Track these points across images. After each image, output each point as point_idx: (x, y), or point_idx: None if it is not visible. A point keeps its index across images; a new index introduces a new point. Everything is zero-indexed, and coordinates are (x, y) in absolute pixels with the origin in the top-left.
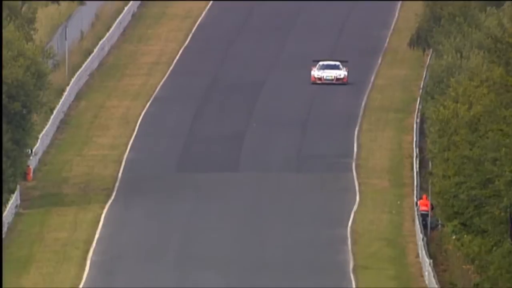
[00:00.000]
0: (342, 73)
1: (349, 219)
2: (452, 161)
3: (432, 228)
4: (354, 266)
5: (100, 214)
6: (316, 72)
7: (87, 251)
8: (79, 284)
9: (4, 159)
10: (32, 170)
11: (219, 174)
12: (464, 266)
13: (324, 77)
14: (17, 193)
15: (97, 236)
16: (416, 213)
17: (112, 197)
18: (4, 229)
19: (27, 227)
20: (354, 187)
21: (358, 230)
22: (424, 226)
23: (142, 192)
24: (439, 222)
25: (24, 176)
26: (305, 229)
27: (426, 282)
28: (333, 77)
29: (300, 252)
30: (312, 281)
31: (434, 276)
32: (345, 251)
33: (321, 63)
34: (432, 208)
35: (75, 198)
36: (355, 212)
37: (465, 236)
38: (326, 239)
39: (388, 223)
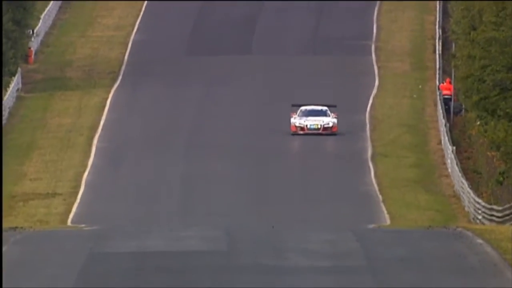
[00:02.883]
0: (330, 120)
1: (367, 105)
2: (477, 42)
3: (455, 113)
4: (373, 153)
5: (106, 99)
6: (297, 120)
7: (92, 138)
8: (83, 171)
9: (4, 40)
10: (33, 52)
11: (231, 57)
12: (488, 153)
13: (308, 126)
14: (18, 76)
15: (102, 121)
16: (438, 97)
17: (118, 81)
18: (5, 113)
19: (29, 112)
20: (373, 70)
21: (377, 116)
22: (447, 111)
23: (150, 75)
24: (463, 107)
25: (26, 58)
26: None
27: (449, 170)
28: (319, 126)
29: (315, 139)
30: (328, 169)
31: (457, 164)
32: (364, 138)
33: (303, 108)
34: (455, 92)
35: (79, 82)
36: (374, 97)
37: (490, 121)
38: (343, 125)
39: (409, 108)
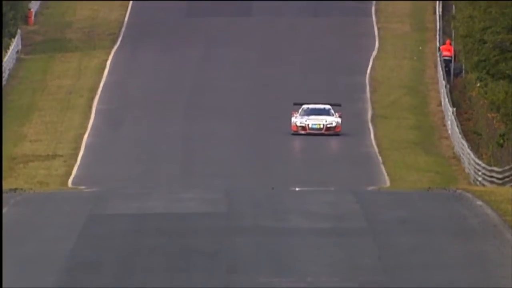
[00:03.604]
0: (333, 120)
1: (367, 66)
2: (477, 4)
3: (455, 75)
4: (373, 115)
5: (106, 60)
6: (298, 120)
7: (92, 99)
8: (84, 133)
9: (4, 1)
10: (33, 14)
11: (231, 18)
12: (489, 115)
13: (310, 126)
14: (18, 37)
15: (102, 83)
16: (438, 59)
17: (118, 43)
18: (5, 75)
19: (29, 73)
20: (374, 32)
21: (378, 78)
22: (447, 72)
23: (150, 37)
24: (463, 68)
25: (25, 20)
26: (321, 76)
27: (449, 131)
28: (321, 126)
29: (316, 100)
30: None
31: (457, 125)
32: (364, 100)
33: (305, 106)
34: (455, 53)
35: (79, 44)
36: (374, 59)
37: (490, 83)
38: (343, 87)
39: (409, 70)
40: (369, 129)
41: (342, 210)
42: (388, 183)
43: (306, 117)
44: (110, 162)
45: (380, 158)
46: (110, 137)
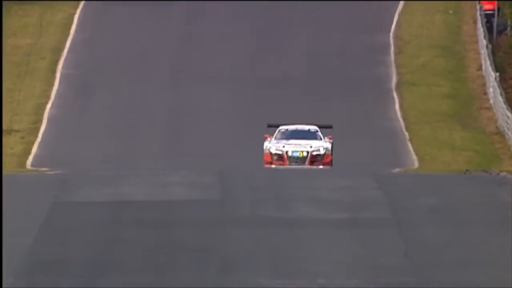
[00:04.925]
0: (321, 145)
1: (392, 23)
2: None
3: (498, 32)
4: (398, 81)
5: (73, 15)
6: (273, 145)
7: (56, 63)
8: (45, 103)
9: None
10: None
11: None
12: None
13: (289, 154)
14: None
15: (68, 43)
16: (478, 12)
17: None
18: None
19: None
20: None
21: (404, 36)
22: (489, 29)
23: None
24: (508, 24)
25: None
26: (337, 34)
27: (491, 101)
28: (304, 154)
29: (328, 64)
30: (343, 97)
31: (500, 94)
32: (387, 63)
33: (282, 128)
34: (499, 6)
35: None
36: (399, 13)
37: None
38: (362, 47)
39: (443, 26)
40: (393, 98)
41: (361, 197)
42: (416, 164)
43: (284, 142)
44: (78, 138)
45: (406, 133)
46: (77, 108)
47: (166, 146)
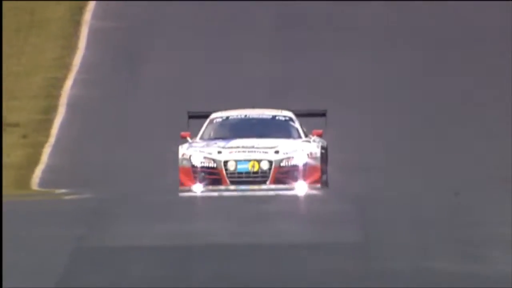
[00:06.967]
0: (296, 148)
1: None
2: None
3: None
4: None
5: None
6: (197, 151)
7: (80, 9)
8: (64, 77)
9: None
10: None
11: None
12: None
13: (231, 167)
14: None
15: None
16: None
17: None
18: None
19: None
20: None
21: None
22: None
23: None
24: None
25: None
26: None
27: None
28: (260, 167)
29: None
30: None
31: None
32: None
33: (217, 117)
34: None
35: None
36: None
37: None
38: None
39: None
40: None
41: None
42: None
43: (220, 144)
44: (117, 138)
45: None
46: (118, 87)
47: None
